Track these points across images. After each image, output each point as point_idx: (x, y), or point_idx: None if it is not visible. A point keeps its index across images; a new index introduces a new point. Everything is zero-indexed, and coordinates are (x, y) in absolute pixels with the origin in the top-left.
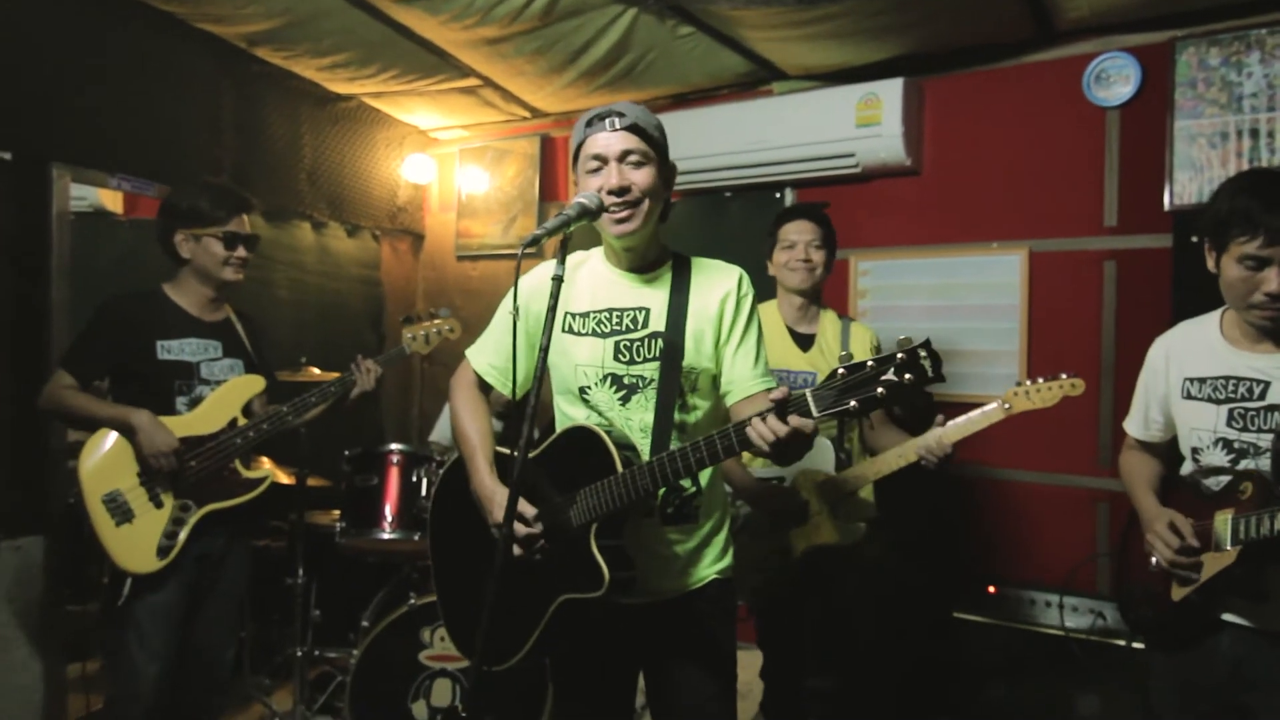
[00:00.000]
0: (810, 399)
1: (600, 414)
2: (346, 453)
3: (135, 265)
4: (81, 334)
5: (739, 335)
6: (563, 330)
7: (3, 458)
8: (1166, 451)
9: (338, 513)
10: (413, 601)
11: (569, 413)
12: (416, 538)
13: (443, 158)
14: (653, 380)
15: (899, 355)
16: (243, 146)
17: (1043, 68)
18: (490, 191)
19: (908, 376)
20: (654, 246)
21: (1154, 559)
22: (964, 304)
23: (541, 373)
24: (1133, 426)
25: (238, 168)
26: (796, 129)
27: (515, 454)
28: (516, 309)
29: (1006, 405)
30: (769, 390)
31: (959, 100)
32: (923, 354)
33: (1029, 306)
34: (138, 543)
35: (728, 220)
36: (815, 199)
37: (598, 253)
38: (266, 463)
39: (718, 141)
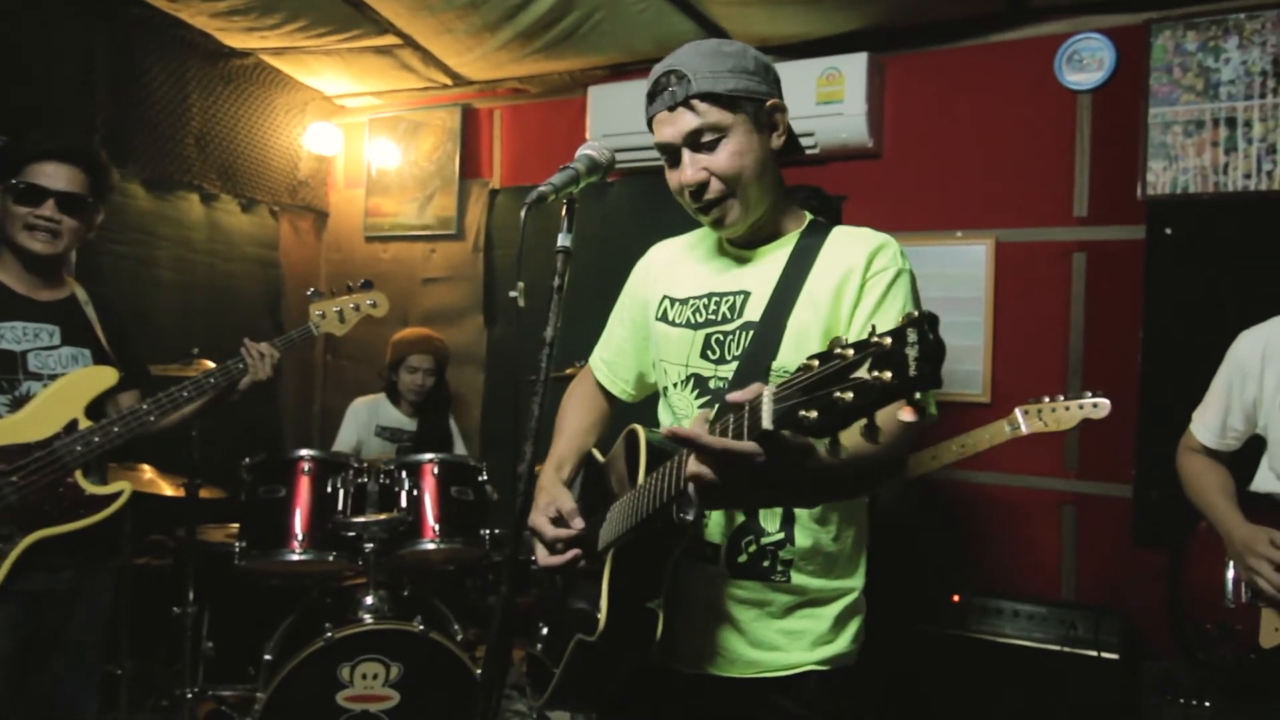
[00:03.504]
0: (765, 404)
1: (680, 422)
2: (247, 460)
3: None
4: None
5: (860, 323)
6: (656, 318)
7: None
8: (1231, 461)
9: (236, 528)
10: (329, 635)
11: (659, 417)
12: (331, 558)
13: (350, 128)
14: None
15: (879, 340)
16: (118, 104)
17: (1013, 47)
18: (404, 166)
19: (885, 375)
20: (770, 218)
21: (1243, 590)
22: (926, 296)
23: (548, 374)
24: (1205, 433)
25: (113, 128)
26: None
27: (600, 457)
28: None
29: (1015, 428)
30: None
31: (923, 80)
32: (910, 337)
33: (995, 300)
34: None
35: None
36: None
37: None
38: (148, 470)
39: None
